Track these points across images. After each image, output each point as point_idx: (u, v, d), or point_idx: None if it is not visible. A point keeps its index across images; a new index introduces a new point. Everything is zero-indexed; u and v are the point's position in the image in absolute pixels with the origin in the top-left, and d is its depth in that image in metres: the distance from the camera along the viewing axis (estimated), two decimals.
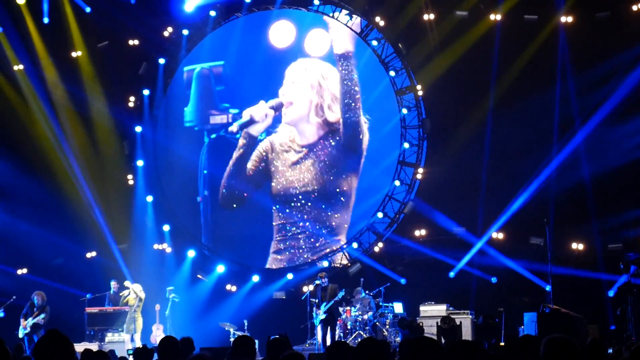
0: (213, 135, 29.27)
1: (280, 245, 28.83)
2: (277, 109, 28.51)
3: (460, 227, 27.18)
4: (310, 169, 28.54)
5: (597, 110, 25.72)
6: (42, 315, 23.48)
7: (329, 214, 28.55)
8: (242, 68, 29.14)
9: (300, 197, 28.58)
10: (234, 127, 28.58)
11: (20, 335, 23.26)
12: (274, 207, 28.71)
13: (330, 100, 28.49)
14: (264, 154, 28.77)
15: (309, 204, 28.56)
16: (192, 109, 29.58)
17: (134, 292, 24.89)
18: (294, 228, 28.74)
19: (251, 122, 28.49)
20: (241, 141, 28.75)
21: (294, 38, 29.22)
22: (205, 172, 29.23)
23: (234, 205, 29.08)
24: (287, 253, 28.81)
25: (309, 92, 28.55)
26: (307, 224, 28.56)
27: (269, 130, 28.76)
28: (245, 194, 28.87)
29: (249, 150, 28.77)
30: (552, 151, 26.47)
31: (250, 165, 28.79)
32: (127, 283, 25.30)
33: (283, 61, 29.02)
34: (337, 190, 28.48)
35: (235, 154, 28.83)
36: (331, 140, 28.51)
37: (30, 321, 23.44)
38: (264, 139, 28.79)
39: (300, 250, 28.79)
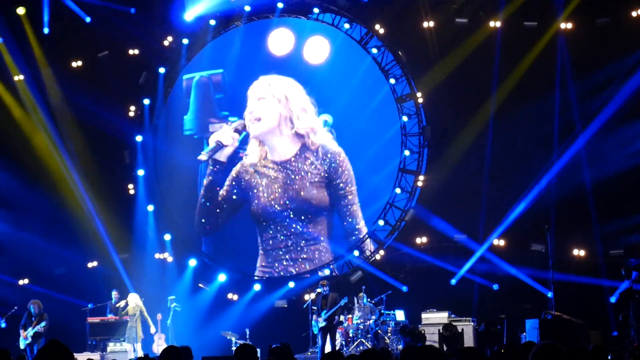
0: None
1: (279, 254, 28.81)
2: (241, 130, 28.52)
3: (461, 234, 27.16)
4: (290, 184, 28.51)
5: (598, 116, 25.72)
6: (43, 324, 23.44)
7: (326, 222, 28.54)
8: (241, 76, 29.12)
9: (294, 209, 28.54)
10: (203, 156, 28.62)
11: (22, 346, 23.24)
12: (264, 222, 28.71)
13: (299, 111, 28.48)
14: (236, 178, 28.75)
15: (309, 215, 28.53)
16: (191, 117, 29.59)
17: (132, 302, 24.89)
18: (290, 238, 28.70)
19: (219, 147, 28.49)
20: (209, 168, 28.78)
21: (292, 46, 29.27)
22: (205, 180, 29.21)
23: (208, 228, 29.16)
24: (285, 262, 28.78)
25: (276, 106, 28.45)
26: (308, 232, 28.54)
27: (237, 152, 28.78)
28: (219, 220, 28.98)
29: (218, 177, 28.81)
30: (553, 157, 26.47)
31: (222, 192, 28.82)
32: (129, 297, 25.26)
33: (282, 69, 29.01)
34: (331, 200, 28.50)
35: (205, 181, 28.91)
36: (306, 154, 28.49)
37: (31, 331, 23.42)
38: (235, 165, 28.85)
39: (300, 259, 28.75)
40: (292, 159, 28.54)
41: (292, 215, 28.45)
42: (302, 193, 28.38)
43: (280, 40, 29.29)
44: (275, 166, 28.59)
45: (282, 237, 28.60)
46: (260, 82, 28.72)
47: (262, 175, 28.63)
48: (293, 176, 28.49)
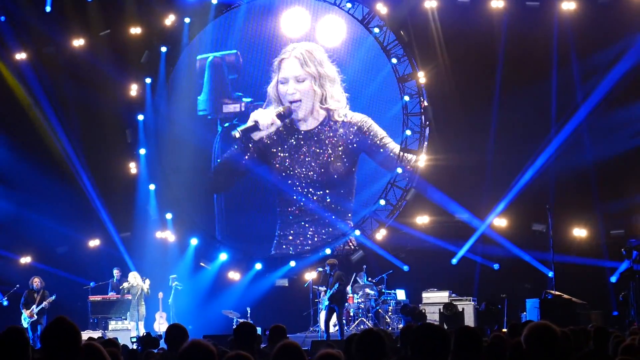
0: (226, 124, 29.23)
1: (285, 231, 28.91)
2: (286, 117, 28.61)
3: (462, 214, 27.19)
4: (311, 154, 28.58)
5: (598, 94, 25.74)
6: (52, 297, 23.65)
7: (329, 200, 28.61)
8: (254, 56, 29.11)
9: (301, 183, 28.64)
10: (236, 134, 28.65)
11: (25, 324, 23.32)
12: (278, 196, 28.82)
13: (330, 88, 28.54)
14: (257, 142, 28.92)
15: (311, 190, 28.61)
16: (205, 97, 29.47)
17: (132, 280, 24.99)
18: (296, 215, 28.81)
19: (255, 128, 28.57)
20: (234, 147, 28.94)
21: (306, 25, 29.12)
22: (218, 160, 29.23)
23: (235, 179, 29.22)
24: (291, 239, 28.88)
25: (312, 86, 28.55)
26: (310, 210, 28.62)
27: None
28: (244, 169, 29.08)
29: (239, 155, 29.02)
30: (551, 134, 26.55)
31: (246, 156, 28.96)
32: (131, 275, 25.35)
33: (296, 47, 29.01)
34: (337, 176, 28.55)
35: (226, 155, 29.11)
36: (331, 124, 28.59)
37: (36, 308, 23.57)
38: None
39: (302, 238, 28.85)
40: (317, 128, 28.69)
41: (310, 189, 28.64)
42: (322, 163, 28.54)
43: (293, 20, 29.11)
44: (298, 135, 28.74)
45: (303, 207, 28.79)
46: (292, 55, 28.74)
47: (284, 141, 28.77)
48: (315, 147, 28.59)
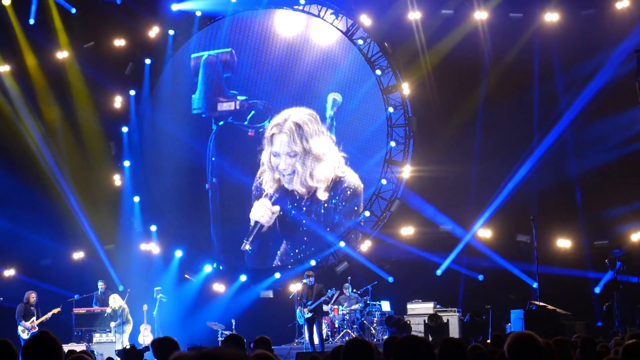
0: (221, 122, 29.22)
1: (274, 243, 29.00)
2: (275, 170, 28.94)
3: (447, 225, 27.24)
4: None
5: (581, 104, 25.86)
6: (59, 309, 23.75)
7: (314, 213, 28.64)
8: (249, 55, 29.12)
9: (291, 195, 28.68)
10: (247, 246, 28.78)
11: (27, 336, 23.18)
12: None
13: (313, 162, 28.73)
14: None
15: (295, 204, 28.65)
16: (199, 96, 29.37)
17: (114, 304, 24.87)
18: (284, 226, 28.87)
19: (261, 228, 28.76)
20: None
21: (299, 25, 29.17)
22: (213, 159, 29.19)
23: None
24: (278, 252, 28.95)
25: (296, 163, 28.73)
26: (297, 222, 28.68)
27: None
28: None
29: None
30: (534, 144, 26.65)
31: None
32: (111, 299, 25.21)
33: (290, 48, 28.98)
34: (325, 187, 28.60)
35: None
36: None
37: (36, 320, 23.59)
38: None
39: (287, 249, 28.88)
40: (308, 202, 28.83)
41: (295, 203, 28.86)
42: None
43: (286, 21, 29.20)
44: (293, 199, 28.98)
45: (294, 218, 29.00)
46: (283, 130, 28.71)
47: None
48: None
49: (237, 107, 29.12)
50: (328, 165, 28.60)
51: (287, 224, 28.76)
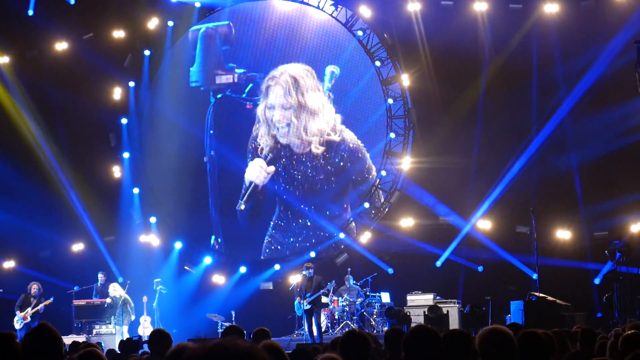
0: (219, 95, 29.18)
1: (275, 234, 28.97)
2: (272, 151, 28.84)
3: (447, 216, 27.25)
4: (302, 173, 28.62)
5: (581, 95, 25.87)
6: (50, 300, 23.81)
7: (315, 205, 28.63)
8: (247, 28, 29.06)
9: (288, 188, 28.67)
10: (242, 206, 28.83)
11: (18, 326, 23.29)
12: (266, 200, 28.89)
13: (308, 118, 28.67)
14: None
15: (297, 194, 28.64)
16: (197, 69, 29.30)
17: (114, 292, 24.85)
18: (286, 217, 28.84)
19: (255, 187, 28.78)
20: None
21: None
22: (211, 132, 29.16)
23: None
24: (276, 242, 28.91)
25: (292, 116, 28.74)
26: (297, 213, 28.67)
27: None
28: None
29: None
30: (533, 135, 26.64)
31: None
32: (111, 288, 25.18)
33: (288, 21, 28.95)
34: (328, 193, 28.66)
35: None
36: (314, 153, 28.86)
37: (30, 310, 23.57)
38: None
39: (292, 240, 28.87)
40: (304, 155, 28.85)
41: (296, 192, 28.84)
42: (312, 184, 28.70)
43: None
44: (291, 154, 28.91)
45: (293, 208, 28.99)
46: (279, 82, 28.75)
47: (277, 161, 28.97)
48: (306, 168, 28.69)
49: (236, 80, 29.08)
50: (322, 120, 28.66)
51: (280, 184, 28.87)
